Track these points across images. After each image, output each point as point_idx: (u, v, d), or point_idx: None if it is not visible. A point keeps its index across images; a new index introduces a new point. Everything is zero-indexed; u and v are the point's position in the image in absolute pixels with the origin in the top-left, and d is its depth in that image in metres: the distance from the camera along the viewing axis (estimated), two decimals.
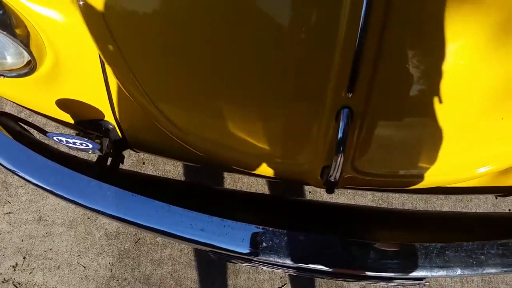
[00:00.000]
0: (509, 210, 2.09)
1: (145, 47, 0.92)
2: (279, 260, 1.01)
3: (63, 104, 1.14)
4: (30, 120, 1.79)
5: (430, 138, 0.93)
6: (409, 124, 0.92)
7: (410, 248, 1.03)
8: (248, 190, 2.10)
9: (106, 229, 2.06)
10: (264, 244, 1.01)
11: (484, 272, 1.03)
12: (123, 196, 1.05)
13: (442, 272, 1.02)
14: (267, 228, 1.02)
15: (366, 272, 1.02)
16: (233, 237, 1.01)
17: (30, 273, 2.01)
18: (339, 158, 0.88)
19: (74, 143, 1.11)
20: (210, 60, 0.90)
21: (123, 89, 0.97)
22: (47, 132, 1.15)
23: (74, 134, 1.11)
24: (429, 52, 0.82)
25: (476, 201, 2.12)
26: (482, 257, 1.03)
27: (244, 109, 0.95)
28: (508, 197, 1.30)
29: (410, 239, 1.24)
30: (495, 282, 1.99)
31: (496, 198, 2.06)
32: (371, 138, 0.92)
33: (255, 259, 1.03)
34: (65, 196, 1.08)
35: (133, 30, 0.92)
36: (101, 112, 1.14)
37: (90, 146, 1.11)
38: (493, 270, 1.03)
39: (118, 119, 1.14)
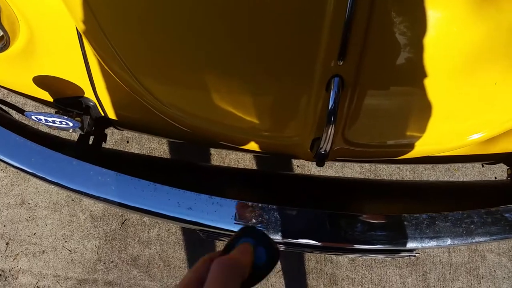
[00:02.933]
0: (495, 178, 2.11)
1: (124, 18, 0.88)
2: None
3: (40, 81, 1.10)
4: (7, 99, 1.74)
5: (422, 107, 0.90)
6: (400, 93, 0.90)
7: (400, 219, 1.03)
8: (235, 166, 2.08)
9: (91, 211, 2.03)
10: (253, 220, 0.99)
11: (474, 241, 1.04)
12: (107, 175, 1.02)
13: (432, 243, 1.02)
14: (256, 204, 1.00)
15: (356, 245, 1.02)
16: (222, 214, 0.99)
17: (14, 259, 1.97)
18: (330, 129, 0.85)
19: (53, 121, 1.07)
20: (195, 30, 0.86)
21: (103, 63, 0.93)
22: (25, 111, 1.11)
23: (54, 113, 1.07)
24: (421, 18, 0.79)
25: (463, 169, 2.13)
26: (472, 226, 1.04)
27: (230, 81, 0.91)
28: (494, 165, 1.30)
29: (400, 210, 1.24)
30: (480, 251, 2.03)
31: (483, 166, 2.07)
32: (362, 108, 0.89)
33: None
34: (46, 177, 1.05)
35: (112, 1, 0.87)
36: (80, 88, 1.10)
37: (70, 124, 1.07)
38: (482, 239, 1.04)
39: (99, 96, 1.10)
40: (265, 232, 0.59)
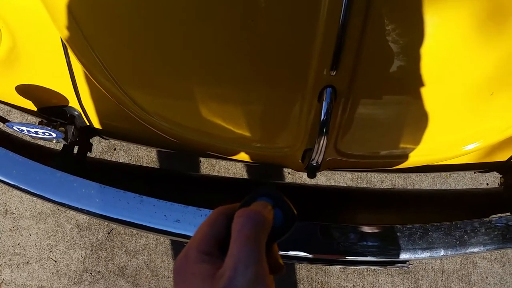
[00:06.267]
0: (487, 184, 2.11)
1: (108, 26, 0.85)
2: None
3: (23, 90, 1.07)
4: None
5: (416, 117, 0.89)
6: (394, 104, 0.88)
7: (392, 230, 1.02)
8: (225, 175, 2.05)
9: (77, 220, 1.99)
10: None
11: (468, 251, 1.03)
12: (91, 187, 0.99)
13: (425, 254, 1.02)
14: None
15: (348, 257, 1.00)
16: None
17: None
18: (322, 141, 0.83)
19: (36, 132, 1.03)
20: (181, 37, 0.83)
21: (87, 72, 0.90)
22: (6, 121, 1.07)
23: (37, 123, 1.04)
24: (415, 30, 0.77)
25: (455, 175, 2.13)
26: (465, 236, 1.03)
27: (219, 91, 0.89)
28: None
29: (392, 220, 1.22)
30: (472, 257, 2.02)
31: (474, 172, 2.07)
32: (355, 119, 0.87)
33: None
34: (28, 190, 1.02)
35: (96, 9, 0.84)
36: (65, 98, 1.07)
37: (54, 135, 1.03)
38: (476, 249, 1.03)
39: (84, 105, 1.07)
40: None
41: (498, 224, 1.05)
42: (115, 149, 2.12)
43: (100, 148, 2.11)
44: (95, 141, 2.03)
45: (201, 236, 0.50)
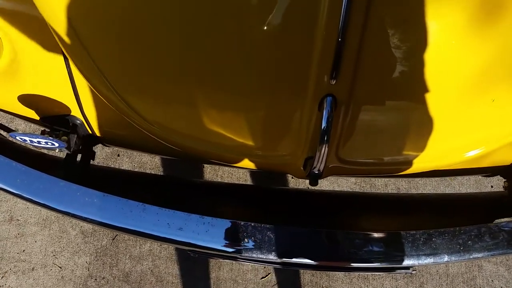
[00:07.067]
0: (491, 186, 2.10)
1: (108, 36, 0.85)
2: (263, 256, 0.97)
3: (26, 99, 1.07)
4: None
5: (417, 124, 0.89)
6: (395, 110, 0.88)
7: (396, 236, 1.01)
8: (228, 181, 2.05)
9: (81, 227, 1.99)
10: (246, 240, 0.97)
11: (472, 257, 1.03)
12: (94, 196, 0.99)
13: (429, 260, 1.01)
14: (249, 223, 0.98)
15: (352, 264, 1.00)
16: (214, 235, 0.97)
17: (2, 277, 1.93)
18: (323, 149, 0.83)
19: (38, 142, 1.04)
20: (181, 47, 0.83)
21: (86, 81, 0.90)
22: (10, 130, 1.08)
23: (40, 133, 1.05)
24: (415, 35, 0.77)
25: (459, 179, 2.12)
26: (469, 242, 1.02)
27: (220, 99, 0.89)
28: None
29: (396, 226, 1.22)
30: (478, 260, 2.01)
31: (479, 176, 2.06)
32: (356, 127, 0.87)
33: (238, 256, 0.99)
34: (32, 199, 1.03)
35: (94, 19, 0.85)
36: (67, 107, 1.08)
37: (56, 144, 1.04)
38: (480, 255, 1.03)
39: (86, 114, 1.07)
40: None
41: (504, 229, 1.04)
42: (118, 155, 2.12)
43: (103, 154, 2.11)
44: (99, 147, 2.04)
45: None
